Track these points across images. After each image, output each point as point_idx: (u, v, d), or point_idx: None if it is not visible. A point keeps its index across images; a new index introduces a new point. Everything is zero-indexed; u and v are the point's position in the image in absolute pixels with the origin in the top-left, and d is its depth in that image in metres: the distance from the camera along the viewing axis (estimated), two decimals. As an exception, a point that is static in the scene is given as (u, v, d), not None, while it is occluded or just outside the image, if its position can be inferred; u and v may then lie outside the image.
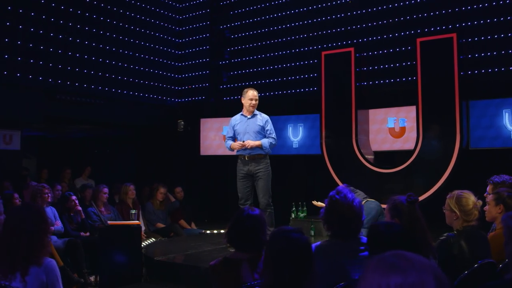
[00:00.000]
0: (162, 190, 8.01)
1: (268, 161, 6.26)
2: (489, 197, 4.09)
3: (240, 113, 6.39)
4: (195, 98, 10.86)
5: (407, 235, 2.34)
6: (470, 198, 3.73)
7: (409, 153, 8.13)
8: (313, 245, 3.11)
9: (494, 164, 7.62)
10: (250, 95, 6.28)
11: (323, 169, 8.71)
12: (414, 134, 8.18)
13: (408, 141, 8.37)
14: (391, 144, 8.58)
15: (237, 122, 6.36)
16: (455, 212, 3.69)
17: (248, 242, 2.98)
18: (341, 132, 8.57)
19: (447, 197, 3.79)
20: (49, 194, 6.42)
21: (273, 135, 6.25)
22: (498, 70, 7.74)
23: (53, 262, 2.93)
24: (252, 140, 6.14)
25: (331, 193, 3.27)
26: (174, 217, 8.06)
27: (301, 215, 7.64)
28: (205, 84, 10.71)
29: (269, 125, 6.26)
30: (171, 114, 10.63)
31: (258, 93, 6.50)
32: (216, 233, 7.95)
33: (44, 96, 8.35)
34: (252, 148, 6.10)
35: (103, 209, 7.11)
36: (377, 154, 8.72)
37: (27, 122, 8.42)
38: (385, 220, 3.60)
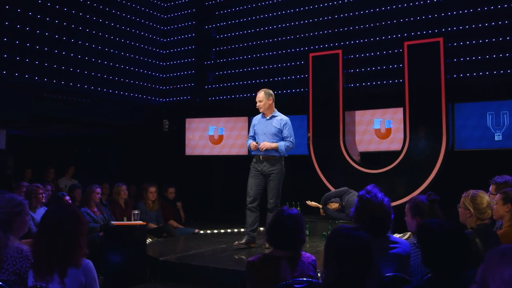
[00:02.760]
0: (151, 189, 7.96)
1: (283, 163, 6.30)
2: (497, 197, 4.25)
3: (261, 113, 6.43)
4: (180, 98, 10.80)
5: (459, 232, 2.42)
6: (485, 198, 3.89)
7: (394, 154, 8.30)
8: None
9: (478, 165, 7.89)
10: (256, 98, 6.39)
11: (310, 169, 8.79)
12: (399, 136, 8.36)
13: (394, 142, 8.55)
14: (377, 145, 8.74)
15: (256, 122, 6.43)
16: (469, 210, 3.84)
17: (288, 241, 3.03)
18: (328, 133, 8.67)
19: (463, 195, 3.94)
20: (43, 194, 6.31)
21: (291, 138, 6.28)
22: (483, 74, 7.99)
23: (91, 263, 2.90)
24: (268, 141, 6.18)
25: (360, 193, 3.35)
26: (165, 217, 8.02)
27: (295, 214, 7.68)
28: (191, 84, 10.67)
29: (287, 128, 6.28)
30: (156, 113, 10.55)
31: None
32: (210, 233, 7.95)
33: (30, 94, 8.17)
34: (267, 149, 6.14)
35: (95, 209, 7.01)
36: (363, 154, 8.87)
37: (13, 121, 8.21)
38: (406, 219, 3.72)
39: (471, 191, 3.93)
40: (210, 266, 5.07)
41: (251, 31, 10.22)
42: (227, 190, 10.30)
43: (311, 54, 8.99)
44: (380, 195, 3.29)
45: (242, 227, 8.00)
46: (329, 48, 9.09)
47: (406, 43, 8.19)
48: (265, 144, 6.12)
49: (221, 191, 10.49)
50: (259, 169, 6.22)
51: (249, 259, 3.11)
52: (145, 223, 5.75)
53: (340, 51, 8.75)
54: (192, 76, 10.65)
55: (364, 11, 9.02)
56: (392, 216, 3.31)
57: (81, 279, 2.82)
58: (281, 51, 9.83)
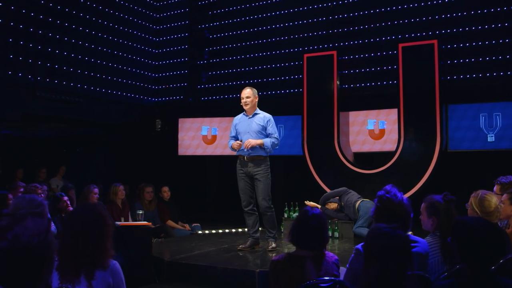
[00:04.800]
0: (148, 189, 7.90)
1: (268, 163, 6.17)
2: (504, 197, 4.31)
3: (243, 112, 6.35)
4: (173, 98, 10.76)
5: (494, 228, 2.47)
6: (492, 201, 3.93)
7: (388, 154, 8.38)
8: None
9: (471, 166, 8.02)
10: (242, 94, 6.27)
11: (304, 169, 8.82)
12: (393, 136, 8.44)
13: (387, 143, 8.63)
14: (371, 145, 8.81)
15: (238, 122, 6.31)
16: (476, 212, 3.89)
17: (313, 240, 3.05)
18: (323, 133, 8.71)
19: (472, 195, 3.98)
20: (42, 195, 6.20)
21: (275, 135, 6.14)
22: (476, 76, 8.13)
23: (118, 264, 2.88)
24: (252, 140, 6.04)
25: (380, 193, 3.37)
26: (162, 217, 7.97)
27: (294, 215, 7.73)
28: (184, 84, 10.63)
29: (270, 125, 6.14)
30: (149, 113, 10.49)
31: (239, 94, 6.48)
32: (208, 233, 7.94)
33: (23, 93, 8.05)
34: (252, 148, 6.01)
35: (93, 209, 6.92)
36: (356, 155, 8.93)
37: (6, 120, 8.09)
38: (421, 218, 3.76)
39: (480, 192, 3.97)
40: (218, 266, 5.05)
41: (245, 31, 10.22)
42: (221, 191, 10.29)
43: (305, 55, 9.03)
44: (399, 194, 3.33)
45: (240, 227, 8.05)
46: (324, 49, 9.13)
47: (400, 45, 8.29)
48: (250, 141, 5.97)
49: (214, 192, 10.46)
50: (244, 170, 6.12)
51: (273, 258, 3.12)
52: (150, 224, 5.71)
53: (334, 52, 8.79)
54: (185, 76, 10.62)
55: (359, 12, 9.09)
56: (412, 215, 3.35)
57: (109, 280, 2.80)
58: (275, 51, 9.85)
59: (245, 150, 6.04)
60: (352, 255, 3.23)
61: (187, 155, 10.14)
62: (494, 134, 7.86)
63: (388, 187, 3.41)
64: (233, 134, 6.35)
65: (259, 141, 6.01)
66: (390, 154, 8.30)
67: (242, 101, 6.24)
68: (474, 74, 8.15)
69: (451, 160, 8.04)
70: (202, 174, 10.57)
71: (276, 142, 6.14)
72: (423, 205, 3.73)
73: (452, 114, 8.09)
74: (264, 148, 6.05)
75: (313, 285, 2.92)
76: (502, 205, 4.16)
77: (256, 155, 6.08)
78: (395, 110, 8.34)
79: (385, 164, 8.29)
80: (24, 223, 1.76)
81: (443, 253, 3.48)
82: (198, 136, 10.07)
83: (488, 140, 7.90)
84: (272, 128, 6.16)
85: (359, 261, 3.17)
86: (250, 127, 6.15)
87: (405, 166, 8.10)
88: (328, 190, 8.16)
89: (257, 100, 6.28)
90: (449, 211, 3.62)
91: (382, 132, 8.73)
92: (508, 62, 7.90)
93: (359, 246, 3.19)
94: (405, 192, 7.81)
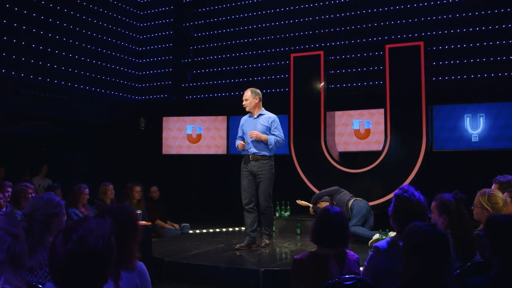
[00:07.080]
0: (137, 188, 7.79)
1: (272, 163, 6.25)
2: (504, 195, 4.42)
3: (249, 112, 6.39)
4: (157, 96, 10.65)
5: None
6: (499, 195, 4.04)
7: (373, 154, 8.48)
8: (384, 241, 3.26)
9: (456, 165, 8.19)
10: (243, 96, 6.33)
11: (291, 169, 8.84)
12: (378, 136, 8.55)
13: (373, 143, 8.74)
14: (356, 145, 8.90)
15: (244, 122, 6.39)
16: (487, 209, 3.99)
17: (336, 239, 3.08)
18: (309, 133, 8.74)
19: (478, 195, 4.07)
20: (33, 195, 6.05)
21: (280, 135, 6.24)
22: (461, 78, 8.31)
23: (144, 266, 2.85)
24: (256, 141, 6.12)
25: (397, 192, 3.41)
26: (151, 217, 7.87)
27: (285, 214, 7.76)
28: (168, 82, 10.53)
29: (275, 125, 6.24)
30: (133, 111, 10.35)
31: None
32: (199, 232, 7.88)
33: (7, 90, 7.84)
34: (257, 146, 6.11)
35: (83, 209, 6.79)
36: (342, 154, 9.00)
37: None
38: (432, 217, 3.83)
39: (486, 190, 4.07)
40: (221, 266, 5.03)
41: (231, 30, 10.19)
42: (205, 190, 10.24)
43: (292, 55, 9.02)
44: (416, 193, 3.37)
45: (230, 227, 8.05)
46: (311, 49, 9.17)
47: (387, 46, 8.36)
48: (254, 132, 6.07)
49: (199, 191, 10.40)
50: (248, 169, 6.19)
51: (296, 257, 3.13)
52: (150, 223, 5.64)
53: (321, 52, 8.81)
54: (170, 74, 10.52)
55: (346, 13, 9.18)
56: (429, 213, 3.40)
57: (136, 282, 2.77)
58: (261, 51, 9.86)
59: (250, 150, 6.13)
60: (371, 253, 3.26)
61: (171, 154, 10.05)
62: (478, 135, 8.04)
63: (405, 186, 3.46)
64: (240, 135, 6.43)
65: (263, 136, 6.10)
66: (375, 154, 8.40)
67: (243, 103, 6.33)
68: (459, 76, 8.33)
69: (435, 160, 8.19)
70: (186, 173, 10.50)
71: (280, 141, 6.24)
72: (433, 203, 3.79)
73: (437, 115, 8.23)
74: (267, 145, 6.13)
75: (336, 283, 2.95)
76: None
77: (261, 155, 6.16)
78: (381, 110, 8.43)
79: (370, 163, 8.38)
80: (87, 224, 1.71)
81: (455, 250, 3.55)
82: (182, 135, 9.99)
83: (472, 140, 8.07)
84: (276, 129, 6.26)
85: (377, 259, 3.22)
86: (255, 128, 6.24)
87: (391, 165, 8.19)
88: (315, 189, 8.21)
89: (257, 101, 6.32)
90: (460, 209, 3.70)
91: (367, 132, 8.83)
92: (492, 64, 8.10)
93: (378, 244, 3.23)
94: (391, 191, 8.03)
